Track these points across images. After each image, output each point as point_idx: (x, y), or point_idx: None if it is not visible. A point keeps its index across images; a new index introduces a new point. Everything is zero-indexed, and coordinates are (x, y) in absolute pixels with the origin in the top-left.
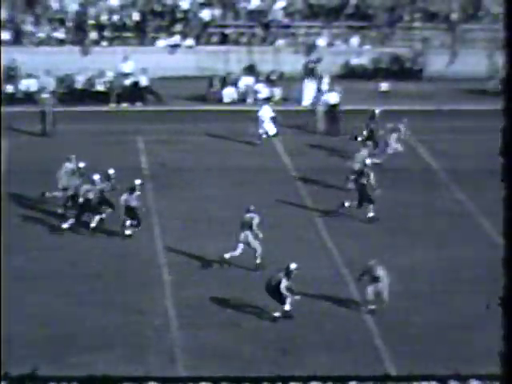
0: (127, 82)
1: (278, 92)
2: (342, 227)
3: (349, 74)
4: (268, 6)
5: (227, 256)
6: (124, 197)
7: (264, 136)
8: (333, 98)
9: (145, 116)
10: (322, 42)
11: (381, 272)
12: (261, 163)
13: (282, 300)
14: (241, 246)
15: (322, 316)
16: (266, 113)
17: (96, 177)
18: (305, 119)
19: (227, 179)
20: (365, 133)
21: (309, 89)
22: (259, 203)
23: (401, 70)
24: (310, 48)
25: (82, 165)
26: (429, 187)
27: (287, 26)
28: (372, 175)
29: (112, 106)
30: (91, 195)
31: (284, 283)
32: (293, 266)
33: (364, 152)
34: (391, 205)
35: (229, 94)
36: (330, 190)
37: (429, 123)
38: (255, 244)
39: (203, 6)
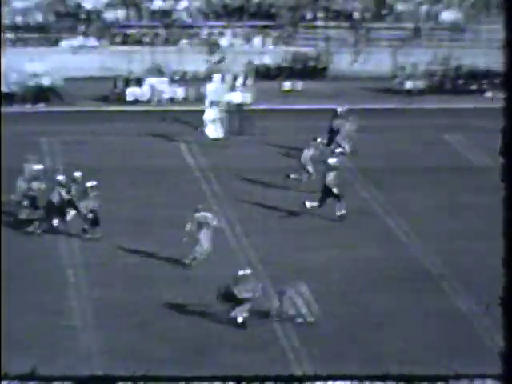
0: (31, 83)
1: (181, 92)
2: (250, 227)
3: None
4: (171, 6)
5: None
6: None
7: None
8: (238, 97)
9: (49, 117)
10: (225, 41)
11: (303, 289)
12: (165, 163)
13: (239, 302)
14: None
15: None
16: (210, 115)
17: (60, 177)
18: None
19: (134, 179)
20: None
21: (212, 88)
22: (167, 203)
23: (304, 69)
24: (214, 48)
25: (39, 167)
26: None
27: (190, 26)
28: (331, 174)
29: (16, 107)
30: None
31: (236, 287)
32: (241, 272)
33: (310, 151)
34: (298, 204)
35: (133, 94)
36: (233, 189)
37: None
38: (205, 245)
39: (106, 6)
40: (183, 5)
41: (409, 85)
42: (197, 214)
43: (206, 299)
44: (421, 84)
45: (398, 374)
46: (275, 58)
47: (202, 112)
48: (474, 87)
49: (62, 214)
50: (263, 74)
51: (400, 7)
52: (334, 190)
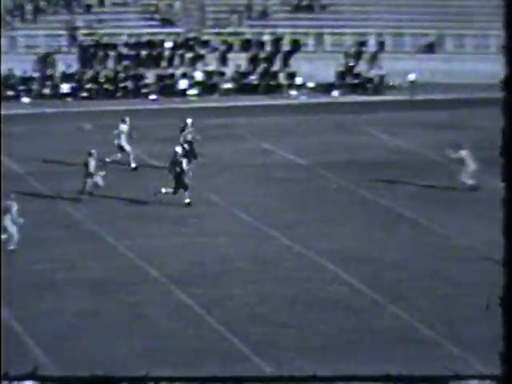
0: None
1: None
2: None
3: None
4: None
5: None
6: None
7: None
8: None
9: None
10: None
11: None
12: None
13: None
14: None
15: None
16: None
17: None
18: None
19: None
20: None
21: None
22: None
23: None
24: None
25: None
26: None
27: None
28: (184, 162)
29: None
30: None
31: None
32: None
33: (92, 162)
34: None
35: None
36: None
37: None
38: (12, 229)
39: None
40: None
41: None
42: (7, 202)
43: None
44: None
45: (397, 374)
46: None
47: None
48: (10, 93)
49: None
50: None
51: None
52: (186, 181)
